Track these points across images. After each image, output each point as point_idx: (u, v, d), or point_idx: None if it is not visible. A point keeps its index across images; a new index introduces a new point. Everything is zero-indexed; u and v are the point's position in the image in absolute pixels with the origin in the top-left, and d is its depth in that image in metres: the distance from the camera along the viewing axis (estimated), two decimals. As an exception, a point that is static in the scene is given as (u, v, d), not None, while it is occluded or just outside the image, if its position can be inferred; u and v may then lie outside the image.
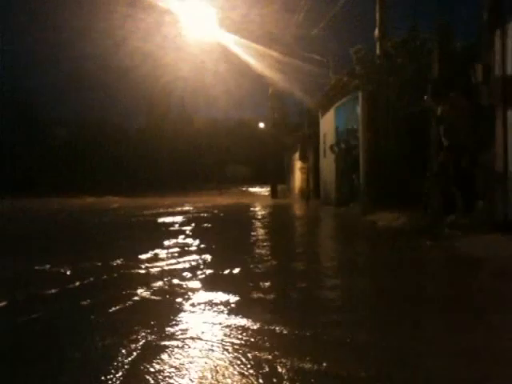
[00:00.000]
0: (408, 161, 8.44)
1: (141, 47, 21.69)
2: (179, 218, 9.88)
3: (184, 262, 4.61)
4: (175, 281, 3.76)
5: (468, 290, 3.49)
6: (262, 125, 34.72)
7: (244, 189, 33.72)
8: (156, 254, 5.03)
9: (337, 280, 3.95)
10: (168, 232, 7.42)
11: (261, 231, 8.12)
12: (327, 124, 13.92)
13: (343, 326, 2.60)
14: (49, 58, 64.82)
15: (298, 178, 20.60)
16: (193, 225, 8.48)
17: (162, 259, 4.77)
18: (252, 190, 33.13)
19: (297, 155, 20.17)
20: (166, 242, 5.97)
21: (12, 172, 32.07)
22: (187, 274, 3.99)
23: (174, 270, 4.23)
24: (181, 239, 6.34)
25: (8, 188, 24.23)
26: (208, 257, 4.87)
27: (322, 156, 14.57)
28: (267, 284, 3.63)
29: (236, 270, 4.13)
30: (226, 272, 4.09)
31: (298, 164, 19.81)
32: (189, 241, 6.17)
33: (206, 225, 8.75)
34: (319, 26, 13.81)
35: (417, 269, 4.40)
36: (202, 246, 5.71)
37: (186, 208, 13.68)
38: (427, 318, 2.86)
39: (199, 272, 4.09)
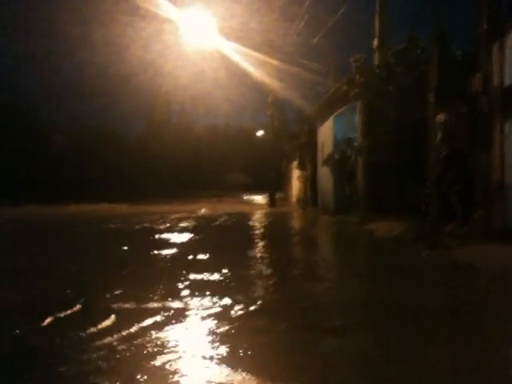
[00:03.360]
0: (406, 169, 8.42)
1: (141, 55, 21.80)
2: (180, 227, 9.85)
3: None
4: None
5: (463, 299, 3.49)
6: (260, 132, 34.75)
7: (242, 197, 33.62)
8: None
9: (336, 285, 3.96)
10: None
11: (262, 239, 8.11)
12: (325, 133, 13.92)
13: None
14: (49, 66, 65.05)
15: (295, 187, 20.55)
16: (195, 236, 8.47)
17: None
18: (250, 197, 33.03)
19: (295, 164, 20.13)
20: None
21: (10, 179, 31.83)
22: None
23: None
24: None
25: (6, 195, 24.00)
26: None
27: (320, 165, 14.56)
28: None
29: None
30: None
31: (296, 173, 19.78)
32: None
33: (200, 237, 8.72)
34: (319, 34, 13.88)
35: (413, 278, 4.37)
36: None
37: (187, 215, 13.61)
38: (423, 326, 2.84)
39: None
